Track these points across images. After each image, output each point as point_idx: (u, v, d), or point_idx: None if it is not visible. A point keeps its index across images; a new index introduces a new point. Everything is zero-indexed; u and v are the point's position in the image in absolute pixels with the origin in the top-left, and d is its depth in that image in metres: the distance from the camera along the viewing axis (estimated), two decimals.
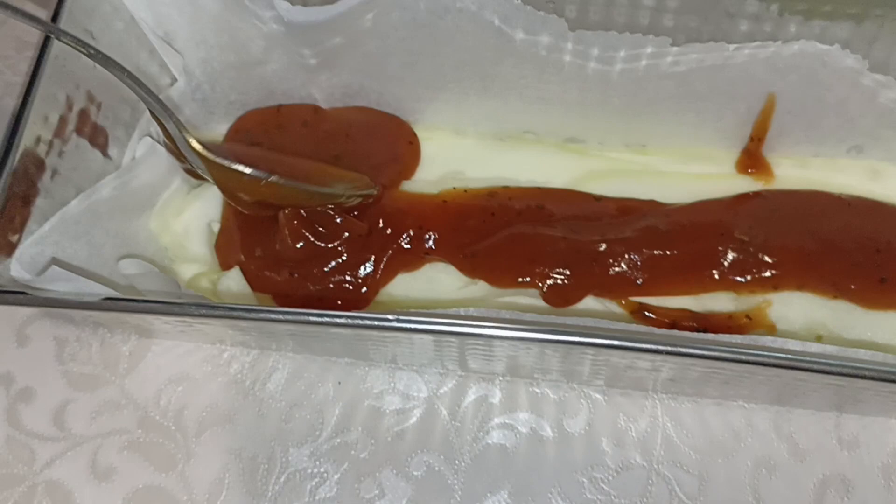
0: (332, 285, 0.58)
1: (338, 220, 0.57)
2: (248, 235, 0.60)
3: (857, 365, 0.47)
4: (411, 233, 0.58)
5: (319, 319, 0.45)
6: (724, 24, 0.58)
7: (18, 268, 0.48)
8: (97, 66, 0.56)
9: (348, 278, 0.58)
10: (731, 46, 0.57)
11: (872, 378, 0.47)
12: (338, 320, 0.45)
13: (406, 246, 0.58)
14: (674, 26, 0.58)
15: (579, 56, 0.58)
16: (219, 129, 0.67)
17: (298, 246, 0.57)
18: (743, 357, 0.47)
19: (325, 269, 0.58)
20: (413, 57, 0.61)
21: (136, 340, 0.62)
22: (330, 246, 0.58)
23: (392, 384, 0.61)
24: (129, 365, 0.61)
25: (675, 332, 0.52)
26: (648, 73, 0.59)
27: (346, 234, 0.58)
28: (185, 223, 0.62)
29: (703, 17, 0.57)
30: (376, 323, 0.45)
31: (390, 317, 0.44)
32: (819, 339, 0.57)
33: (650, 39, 0.56)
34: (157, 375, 0.61)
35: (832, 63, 0.58)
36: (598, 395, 0.61)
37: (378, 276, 0.58)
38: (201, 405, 0.60)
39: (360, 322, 0.45)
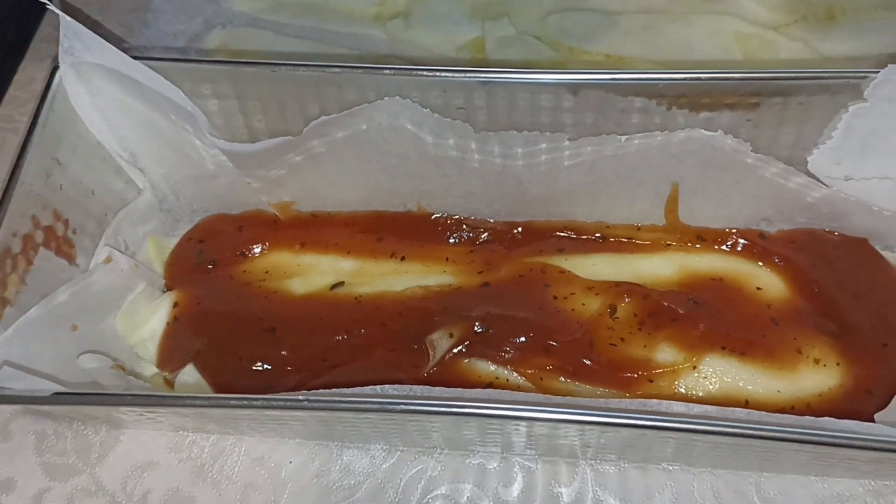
0: None
1: None
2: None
3: (776, 428, 0.50)
4: None
5: (239, 403, 0.50)
6: (619, 119, 0.64)
7: None
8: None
9: None
10: (623, 137, 0.63)
11: (793, 440, 0.50)
12: (254, 403, 0.50)
13: None
14: (573, 123, 0.64)
15: (487, 154, 0.64)
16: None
17: None
18: (639, 423, 0.51)
19: None
20: (347, 167, 0.68)
21: (106, 431, 0.68)
22: None
23: (340, 461, 0.66)
24: (100, 454, 0.67)
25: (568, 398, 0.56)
26: (553, 165, 0.65)
27: None
28: (152, 325, 0.68)
29: (599, 114, 0.63)
30: (289, 403, 0.50)
31: (300, 397, 0.50)
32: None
33: (546, 136, 0.62)
34: (124, 463, 0.67)
35: (720, 147, 0.63)
36: (530, 464, 0.65)
37: None
38: (164, 489, 0.66)
39: (273, 404, 0.50)
